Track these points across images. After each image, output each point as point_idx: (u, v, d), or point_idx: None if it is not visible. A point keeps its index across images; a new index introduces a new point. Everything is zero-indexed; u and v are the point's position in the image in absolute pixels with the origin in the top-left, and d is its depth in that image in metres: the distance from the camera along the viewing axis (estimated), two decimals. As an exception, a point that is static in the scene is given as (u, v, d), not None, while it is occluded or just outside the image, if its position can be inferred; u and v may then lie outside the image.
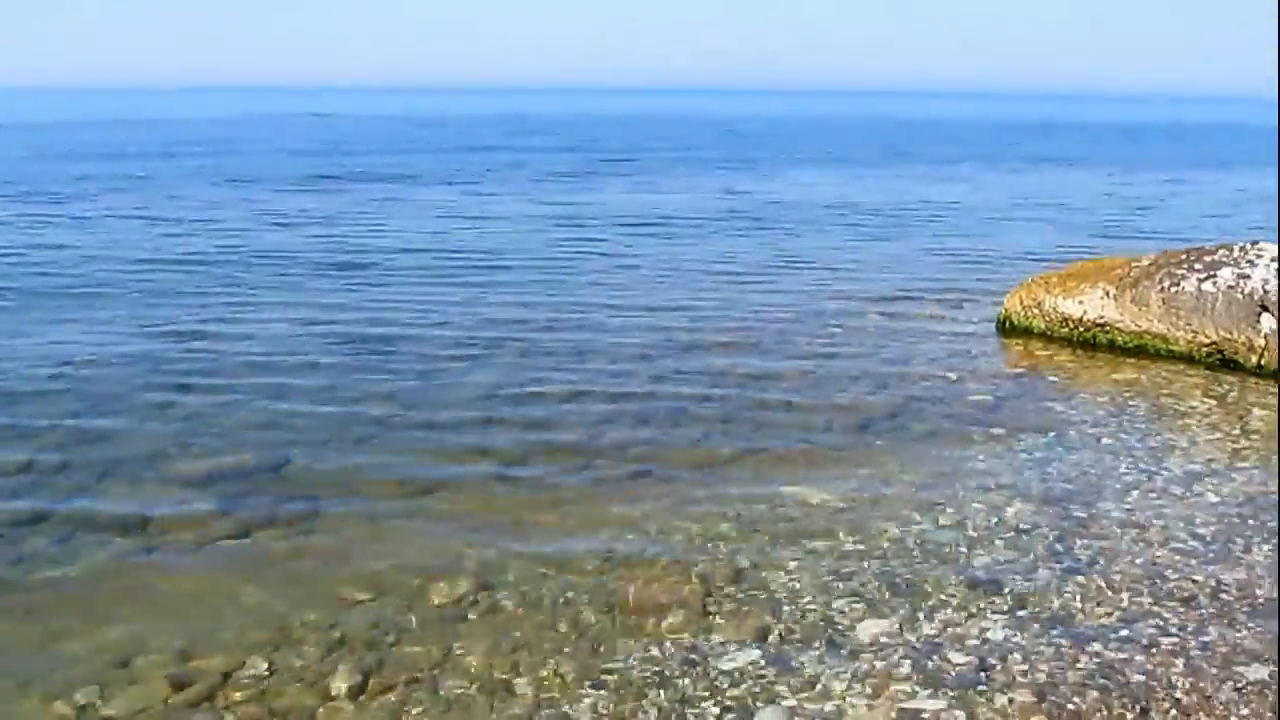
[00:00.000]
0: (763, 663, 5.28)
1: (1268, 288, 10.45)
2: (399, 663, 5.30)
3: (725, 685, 5.10)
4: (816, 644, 5.47)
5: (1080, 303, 11.78)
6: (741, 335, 12.05)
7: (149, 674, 5.20)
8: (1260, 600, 5.92)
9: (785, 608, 5.84)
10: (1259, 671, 5.19)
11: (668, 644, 5.48)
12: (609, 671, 5.23)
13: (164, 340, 11.36)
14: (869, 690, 5.05)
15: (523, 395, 9.61)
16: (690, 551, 6.55)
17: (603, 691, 5.06)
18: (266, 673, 5.20)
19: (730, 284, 15.15)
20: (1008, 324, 12.46)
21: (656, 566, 6.36)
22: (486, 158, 39.88)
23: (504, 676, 5.19)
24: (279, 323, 12.22)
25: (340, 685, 5.09)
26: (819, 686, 5.09)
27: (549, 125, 71.98)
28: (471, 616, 5.77)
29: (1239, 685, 5.07)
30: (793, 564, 6.37)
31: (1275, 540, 6.68)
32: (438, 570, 6.27)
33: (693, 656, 5.36)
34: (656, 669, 5.24)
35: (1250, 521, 7.00)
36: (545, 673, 5.22)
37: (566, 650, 5.41)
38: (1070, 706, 4.90)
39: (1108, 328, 11.52)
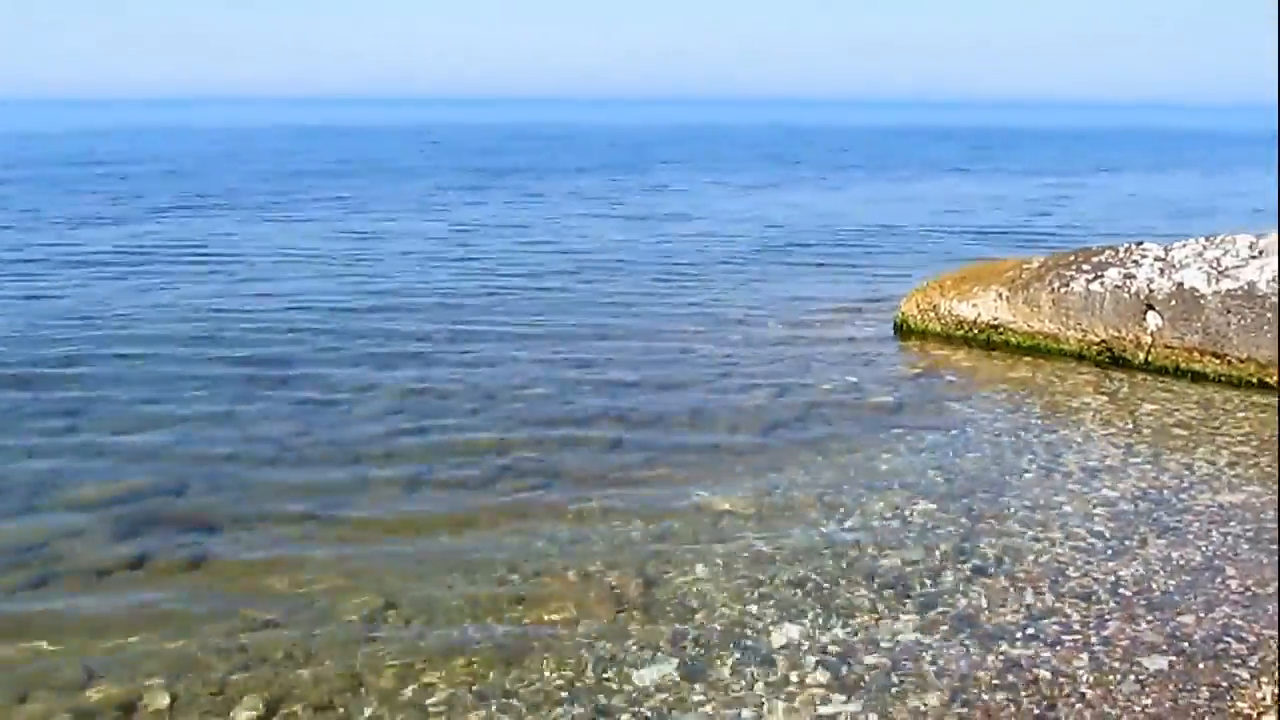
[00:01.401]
0: (677, 673, 5.28)
1: (1153, 286, 10.76)
2: (306, 686, 5.17)
3: (641, 695, 5.09)
4: (730, 650, 5.49)
5: (974, 305, 12.01)
6: (642, 348, 12.03)
7: (49, 707, 5.01)
8: (1156, 594, 6.08)
9: (698, 615, 5.85)
10: (1158, 662, 5.33)
11: (583, 655, 5.45)
12: (524, 684, 5.18)
13: (55, 366, 10.95)
14: (784, 695, 5.08)
15: (426, 412, 9.47)
16: (600, 562, 6.53)
17: (517, 706, 5.01)
18: (169, 702, 5.04)
19: (626, 298, 15.03)
20: (905, 328, 12.66)
21: (567, 578, 6.33)
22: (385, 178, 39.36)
23: (415, 694, 5.11)
24: (174, 348, 11.82)
25: (244, 713, 4.96)
26: (734, 692, 5.11)
27: (462, 138, 71.37)
28: (380, 635, 5.67)
29: (1140, 677, 5.20)
30: (703, 571, 6.39)
31: (1186, 535, 6.89)
32: (345, 589, 6.15)
33: (607, 668, 5.33)
34: (571, 681, 5.21)
35: (1145, 516, 7.20)
36: (458, 689, 5.15)
37: (479, 666, 5.35)
38: (980, 704, 4.99)
39: (1002, 329, 11.77)
